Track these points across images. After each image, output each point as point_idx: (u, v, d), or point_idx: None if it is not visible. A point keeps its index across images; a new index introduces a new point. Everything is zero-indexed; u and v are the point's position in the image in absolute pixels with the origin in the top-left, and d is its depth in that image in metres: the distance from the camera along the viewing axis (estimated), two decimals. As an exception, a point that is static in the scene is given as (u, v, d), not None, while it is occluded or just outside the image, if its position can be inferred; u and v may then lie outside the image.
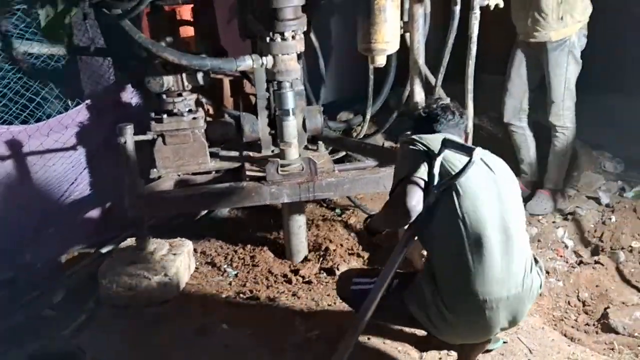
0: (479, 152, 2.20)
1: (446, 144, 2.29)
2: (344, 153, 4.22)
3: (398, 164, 2.36)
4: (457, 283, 2.20)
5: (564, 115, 3.78)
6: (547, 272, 2.38)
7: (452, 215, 2.18)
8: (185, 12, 3.43)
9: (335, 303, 2.95)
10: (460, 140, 2.32)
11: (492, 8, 2.97)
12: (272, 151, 3.49)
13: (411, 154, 2.26)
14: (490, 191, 2.19)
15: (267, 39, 2.92)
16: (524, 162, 4.05)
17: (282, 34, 2.89)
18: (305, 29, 2.99)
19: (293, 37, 2.93)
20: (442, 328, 2.26)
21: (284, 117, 3.09)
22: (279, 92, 3.06)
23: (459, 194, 2.17)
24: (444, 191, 2.18)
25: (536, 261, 2.28)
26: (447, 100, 2.66)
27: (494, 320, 2.18)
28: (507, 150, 4.17)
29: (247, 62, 2.95)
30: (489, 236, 2.14)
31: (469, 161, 2.17)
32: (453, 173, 2.17)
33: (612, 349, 2.76)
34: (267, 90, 3.32)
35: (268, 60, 2.96)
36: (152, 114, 3.31)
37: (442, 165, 2.21)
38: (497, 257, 2.14)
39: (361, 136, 4.40)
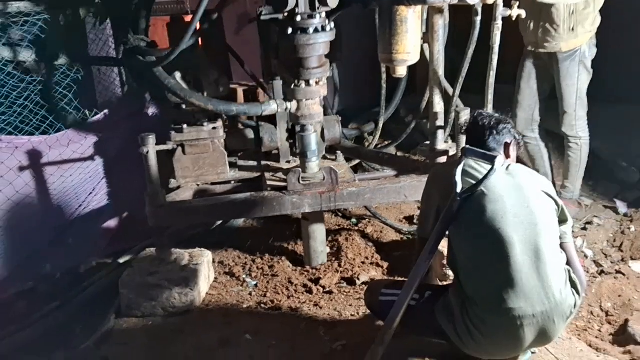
0: (501, 161, 2.22)
1: (467, 152, 2.31)
2: (357, 161, 4.23)
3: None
4: (482, 298, 2.19)
5: (577, 126, 3.79)
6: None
7: (476, 230, 2.19)
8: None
9: (358, 313, 2.94)
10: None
11: (514, 19, 2.98)
12: (287, 161, 3.50)
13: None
14: (517, 206, 2.18)
15: (292, 85, 2.97)
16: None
17: (307, 81, 2.94)
18: (328, 74, 3.03)
19: (317, 83, 2.98)
20: (469, 343, 2.25)
21: (307, 158, 3.13)
22: (302, 134, 3.10)
23: (483, 209, 2.17)
24: (467, 203, 2.19)
25: (572, 282, 2.26)
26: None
27: (521, 338, 2.17)
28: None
29: (272, 107, 3.02)
30: (515, 251, 2.14)
31: (491, 169, 2.19)
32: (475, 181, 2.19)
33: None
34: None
35: (292, 105, 3.02)
36: (172, 124, 3.32)
37: (465, 173, 2.23)
38: (525, 272, 2.13)
39: (373, 145, 4.41)
